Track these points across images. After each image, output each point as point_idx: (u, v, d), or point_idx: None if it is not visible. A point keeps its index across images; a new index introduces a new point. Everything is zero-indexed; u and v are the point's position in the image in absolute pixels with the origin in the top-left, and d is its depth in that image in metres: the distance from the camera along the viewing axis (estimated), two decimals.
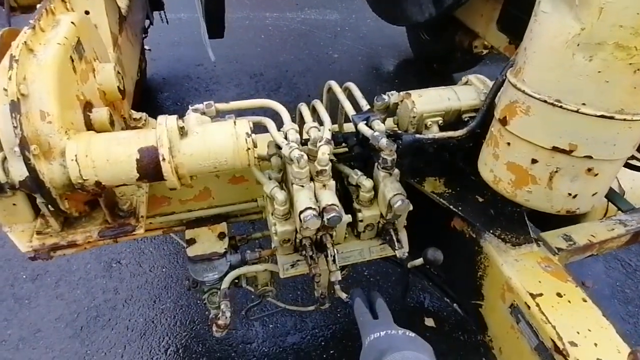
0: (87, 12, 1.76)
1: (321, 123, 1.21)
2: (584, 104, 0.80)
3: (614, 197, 1.33)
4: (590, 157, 0.85)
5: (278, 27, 4.27)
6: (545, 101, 0.84)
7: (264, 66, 3.58)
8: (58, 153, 0.89)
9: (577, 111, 0.80)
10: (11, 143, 0.85)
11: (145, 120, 1.43)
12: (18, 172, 0.88)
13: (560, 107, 0.82)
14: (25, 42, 0.88)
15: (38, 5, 1.02)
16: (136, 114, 1.43)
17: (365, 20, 4.02)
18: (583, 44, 0.76)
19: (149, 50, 3.34)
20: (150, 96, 3.19)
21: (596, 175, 0.88)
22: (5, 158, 0.89)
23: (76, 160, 0.89)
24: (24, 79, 0.86)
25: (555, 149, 0.86)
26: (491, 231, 1.16)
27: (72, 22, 1.04)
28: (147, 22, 2.90)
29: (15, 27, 1.08)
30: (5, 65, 0.86)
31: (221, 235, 1.46)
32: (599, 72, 0.76)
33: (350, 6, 4.52)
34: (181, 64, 3.57)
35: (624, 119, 0.79)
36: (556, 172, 0.89)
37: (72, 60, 0.99)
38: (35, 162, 0.86)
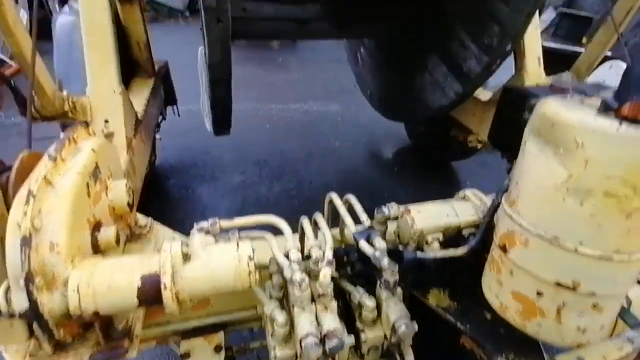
0: (106, 121, 1.91)
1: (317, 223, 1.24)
2: (581, 242, 0.82)
3: (621, 311, 1.29)
4: (594, 294, 0.85)
5: (282, 117, 4.55)
6: (542, 236, 0.86)
7: (268, 154, 3.74)
8: (61, 283, 0.89)
9: (575, 250, 0.82)
10: (17, 275, 0.86)
11: (150, 227, 1.46)
12: (20, 303, 0.87)
13: (558, 244, 0.84)
14: (45, 176, 0.93)
15: (62, 135, 1.10)
16: (142, 220, 1.46)
17: (365, 111, 4.27)
18: (572, 189, 0.81)
19: (160, 139, 3.52)
20: (158, 183, 3.28)
21: (602, 310, 0.87)
22: (8, 288, 0.89)
23: (77, 291, 0.88)
24: (39, 212, 0.89)
25: (559, 284, 0.86)
26: (504, 354, 1.11)
27: (92, 149, 1.11)
28: (160, 117, 3.11)
29: (35, 150, 1.15)
30: (22, 196, 0.90)
31: (217, 349, 1.39)
32: (592, 215, 0.79)
33: (350, 98, 4.85)
34: (189, 151, 3.73)
35: (621, 260, 0.80)
36: (563, 306, 0.88)
37: (88, 186, 1.05)
38: (37, 294, 0.86)
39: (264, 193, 3.23)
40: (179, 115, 3.48)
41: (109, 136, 1.86)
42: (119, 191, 1.20)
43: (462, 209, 1.24)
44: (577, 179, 0.80)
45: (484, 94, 2.80)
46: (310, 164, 3.64)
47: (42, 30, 1.69)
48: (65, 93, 1.80)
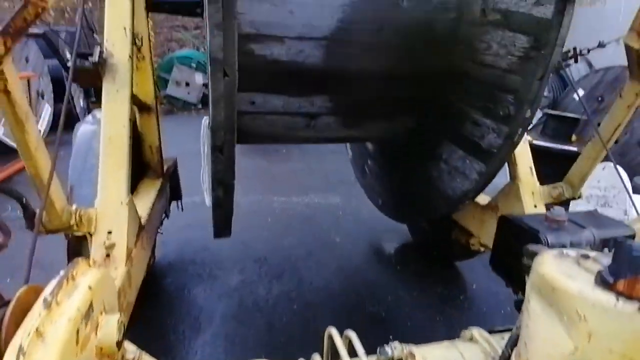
0: (109, 232, 1.93)
1: None
2: None
3: None
4: None
5: (284, 210, 4.62)
6: None
7: (268, 250, 3.71)
8: None
9: None
10: None
11: None
12: None
13: None
14: (37, 328, 0.91)
15: (61, 272, 1.10)
16: (130, 354, 1.37)
17: (365, 205, 4.34)
18: None
19: (161, 233, 3.53)
20: (154, 282, 3.20)
21: None
22: None
23: None
24: None
25: None
26: None
27: (89, 287, 1.10)
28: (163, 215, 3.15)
29: (34, 283, 1.14)
30: (14, 351, 0.87)
31: None
32: None
33: (350, 191, 4.96)
34: (189, 247, 3.71)
35: None
36: None
37: (78, 331, 1.01)
38: None
39: (262, 295, 3.12)
40: (182, 209, 3.54)
41: (109, 248, 1.87)
42: (110, 329, 1.16)
43: (470, 354, 1.18)
44: (583, 352, 0.77)
45: (482, 197, 2.87)
46: (311, 262, 3.58)
47: (65, 121, 1.76)
48: (74, 206, 1.84)
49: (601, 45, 2.60)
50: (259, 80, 2.26)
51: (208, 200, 2.25)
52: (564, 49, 2.49)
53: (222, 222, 2.39)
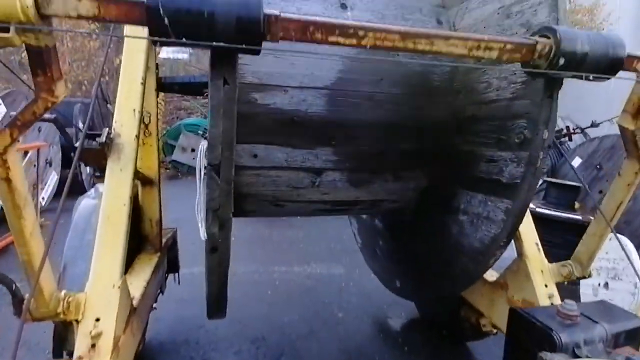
0: (97, 319, 1.82)
1: None
2: None
3: None
4: None
5: (285, 281, 4.45)
6: None
7: (267, 329, 3.50)
8: None
9: None
10: None
11: None
12: None
13: None
14: None
15: None
16: None
17: (369, 276, 4.19)
18: None
19: (155, 308, 3.36)
20: None
21: None
22: None
23: None
24: None
25: None
26: None
27: None
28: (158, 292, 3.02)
29: None
30: None
31: None
32: None
33: (354, 260, 4.82)
34: (183, 325, 3.51)
35: None
36: None
37: None
38: None
39: None
40: (179, 283, 3.41)
41: (95, 337, 1.75)
42: None
43: None
44: None
45: (490, 273, 2.76)
46: (312, 342, 3.36)
47: (70, 188, 1.70)
48: (62, 293, 1.77)
49: (594, 125, 2.69)
50: (261, 131, 2.23)
51: (203, 233, 2.05)
52: (559, 127, 2.56)
53: (217, 281, 2.14)
